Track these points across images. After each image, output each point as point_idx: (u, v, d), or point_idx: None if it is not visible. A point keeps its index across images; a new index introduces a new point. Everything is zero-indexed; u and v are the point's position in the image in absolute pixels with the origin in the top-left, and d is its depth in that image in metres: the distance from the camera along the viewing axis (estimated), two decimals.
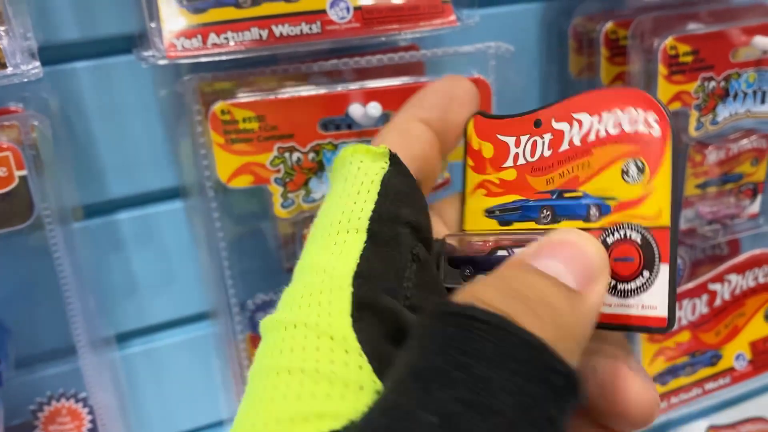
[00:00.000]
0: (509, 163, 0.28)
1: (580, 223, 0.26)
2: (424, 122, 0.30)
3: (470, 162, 0.29)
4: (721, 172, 0.58)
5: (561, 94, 0.60)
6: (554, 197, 0.27)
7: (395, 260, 0.26)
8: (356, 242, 0.26)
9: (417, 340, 0.22)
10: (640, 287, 0.25)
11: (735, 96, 0.54)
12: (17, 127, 0.39)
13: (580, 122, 0.27)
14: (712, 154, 0.57)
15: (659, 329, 0.24)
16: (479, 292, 0.22)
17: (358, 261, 0.25)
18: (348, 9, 0.42)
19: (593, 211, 0.26)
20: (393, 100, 0.44)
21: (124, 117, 0.49)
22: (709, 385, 0.62)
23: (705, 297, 0.61)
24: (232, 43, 0.40)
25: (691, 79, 0.52)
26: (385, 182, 0.27)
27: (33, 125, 0.40)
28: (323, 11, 0.41)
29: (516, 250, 0.27)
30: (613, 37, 0.55)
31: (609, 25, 0.54)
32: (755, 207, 0.61)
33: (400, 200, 0.27)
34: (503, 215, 0.29)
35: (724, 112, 0.54)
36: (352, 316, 0.23)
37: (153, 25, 0.39)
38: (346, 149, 0.29)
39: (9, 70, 0.32)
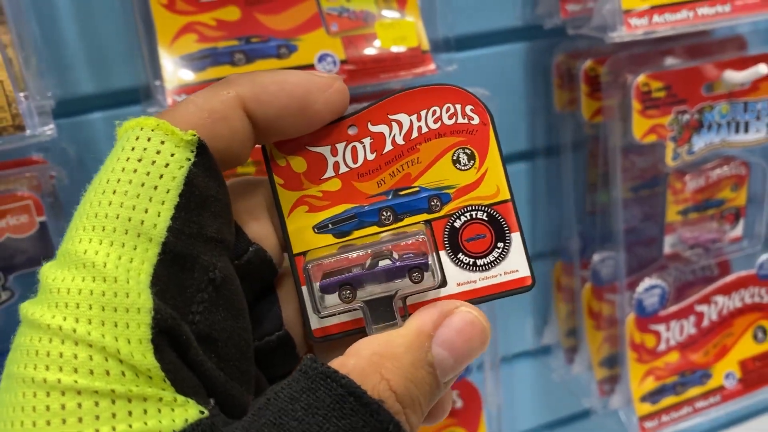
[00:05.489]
0: (330, 173, 0.27)
1: (425, 215, 0.27)
2: (240, 101, 0.25)
3: (279, 180, 0.27)
4: (702, 198, 0.61)
5: (547, 127, 0.63)
6: (390, 197, 0.27)
7: (188, 283, 0.23)
8: (148, 254, 0.23)
9: (288, 392, 0.22)
10: (497, 258, 0.27)
11: (709, 127, 0.57)
12: (37, 178, 0.43)
13: (399, 123, 0.27)
14: (691, 182, 0.59)
15: (526, 288, 0.27)
16: (384, 370, 0.23)
17: (151, 278, 0.22)
18: (335, 62, 0.46)
19: (434, 202, 0.28)
20: None
21: None
22: (700, 404, 0.64)
23: (692, 318, 0.63)
24: None
25: (665, 113, 0.55)
26: (190, 182, 0.24)
27: (52, 175, 0.45)
28: (311, 65, 0.45)
29: (397, 254, 0.26)
30: (593, 74, 0.58)
31: (588, 63, 0.58)
32: (738, 231, 0.63)
33: (205, 207, 0.24)
34: (338, 227, 0.27)
35: (699, 142, 0.57)
36: (153, 342, 0.22)
37: (157, 82, 0.43)
38: (141, 121, 0.24)
39: (27, 132, 0.36)
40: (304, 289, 0.27)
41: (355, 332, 0.27)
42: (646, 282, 0.60)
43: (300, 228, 0.27)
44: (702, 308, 0.63)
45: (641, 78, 0.53)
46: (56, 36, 0.48)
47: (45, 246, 0.44)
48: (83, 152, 0.52)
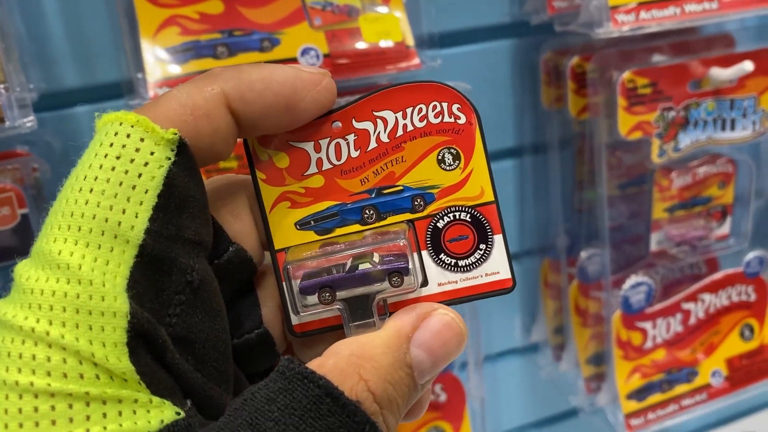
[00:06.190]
0: (313, 169, 0.27)
1: (408, 215, 0.27)
2: (225, 98, 0.25)
3: (261, 175, 0.27)
4: (689, 195, 0.61)
5: (535, 124, 0.63)
6: (373, 195, 0.27)
7: (165, 286, 0.23)
8: (125, 256, 0.22)
9: (265, 393, 0.22)
10: (479, 259, 0.27)
11: (695, 124, 0.56)
12: (19, 170, 0.43)
13: (384, 120, 0.27)
14: (677, 179, 0.59)
15: (506, 290, 0.27)
16: (363, 370, 0.23)
17: (127, 281, 0.22)
18: (318, 56, 0.46)
19: (418, 201, 0.27)
20: None
21: None
22: (686, 402, 0.64)
23: (679, 316, 0.63)
24: None
25: (651, 110, 0.55)
26: (170, 182, 0.23)
27: (34, 167, 0.45)
28: (294, 59, 0.45)
29: (378, 257, 0.26)
30: (579, 71, 0.58)
31: (575, 60, 0.58)
32: (725, 228, 0.63)
33: (184, 208, 0.24)
34: (320, 224, 0.27)
35: (685, 139, 0.57)
36: (128, 345, 0.22)
37: (139, 75, 0.43)
38: (121, 115, 0.23)
39: (7, 123, 0.36)
40: (285, 285, 0.27)
41: (335, 328, 0.27)
42: (633, 279, 0.60)
43: (282, 224, 0.27)
44: (689, 306, 0.63)
45: (626, 74, 0.53)
46: (41, 30, 0.48)
47: (26, 238, 0.44)
48: (68, 145, 0.52)
